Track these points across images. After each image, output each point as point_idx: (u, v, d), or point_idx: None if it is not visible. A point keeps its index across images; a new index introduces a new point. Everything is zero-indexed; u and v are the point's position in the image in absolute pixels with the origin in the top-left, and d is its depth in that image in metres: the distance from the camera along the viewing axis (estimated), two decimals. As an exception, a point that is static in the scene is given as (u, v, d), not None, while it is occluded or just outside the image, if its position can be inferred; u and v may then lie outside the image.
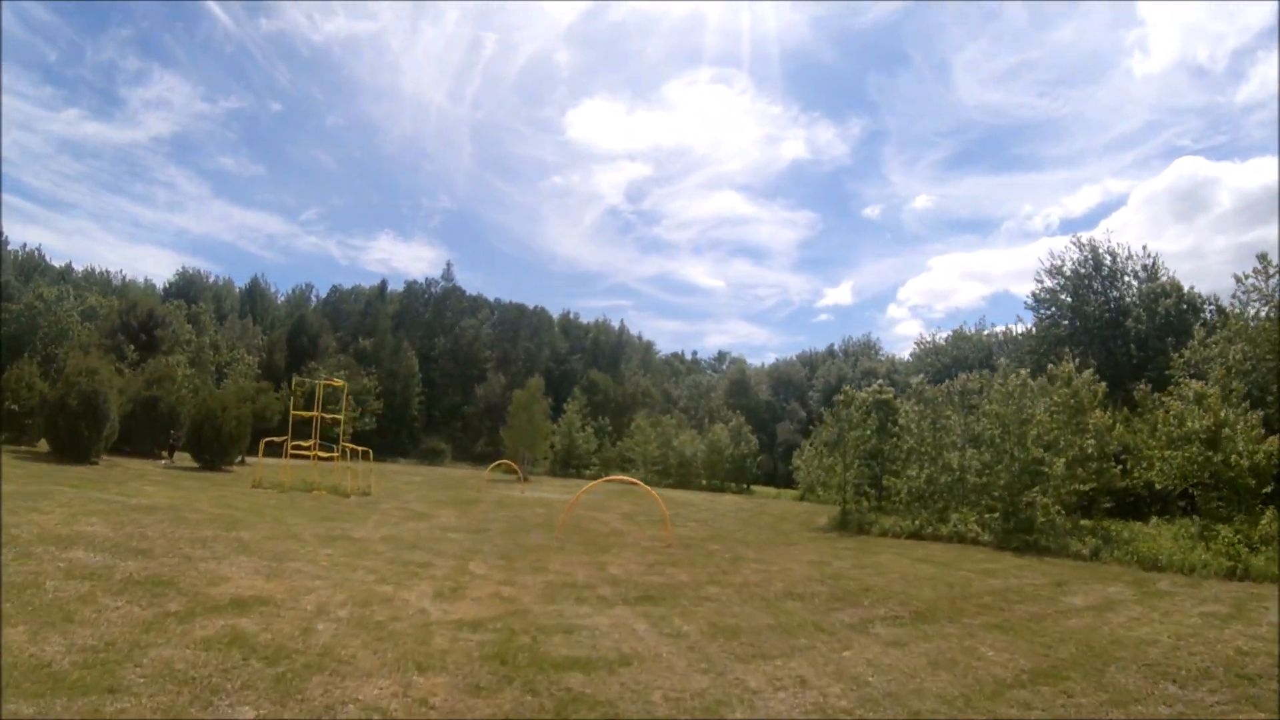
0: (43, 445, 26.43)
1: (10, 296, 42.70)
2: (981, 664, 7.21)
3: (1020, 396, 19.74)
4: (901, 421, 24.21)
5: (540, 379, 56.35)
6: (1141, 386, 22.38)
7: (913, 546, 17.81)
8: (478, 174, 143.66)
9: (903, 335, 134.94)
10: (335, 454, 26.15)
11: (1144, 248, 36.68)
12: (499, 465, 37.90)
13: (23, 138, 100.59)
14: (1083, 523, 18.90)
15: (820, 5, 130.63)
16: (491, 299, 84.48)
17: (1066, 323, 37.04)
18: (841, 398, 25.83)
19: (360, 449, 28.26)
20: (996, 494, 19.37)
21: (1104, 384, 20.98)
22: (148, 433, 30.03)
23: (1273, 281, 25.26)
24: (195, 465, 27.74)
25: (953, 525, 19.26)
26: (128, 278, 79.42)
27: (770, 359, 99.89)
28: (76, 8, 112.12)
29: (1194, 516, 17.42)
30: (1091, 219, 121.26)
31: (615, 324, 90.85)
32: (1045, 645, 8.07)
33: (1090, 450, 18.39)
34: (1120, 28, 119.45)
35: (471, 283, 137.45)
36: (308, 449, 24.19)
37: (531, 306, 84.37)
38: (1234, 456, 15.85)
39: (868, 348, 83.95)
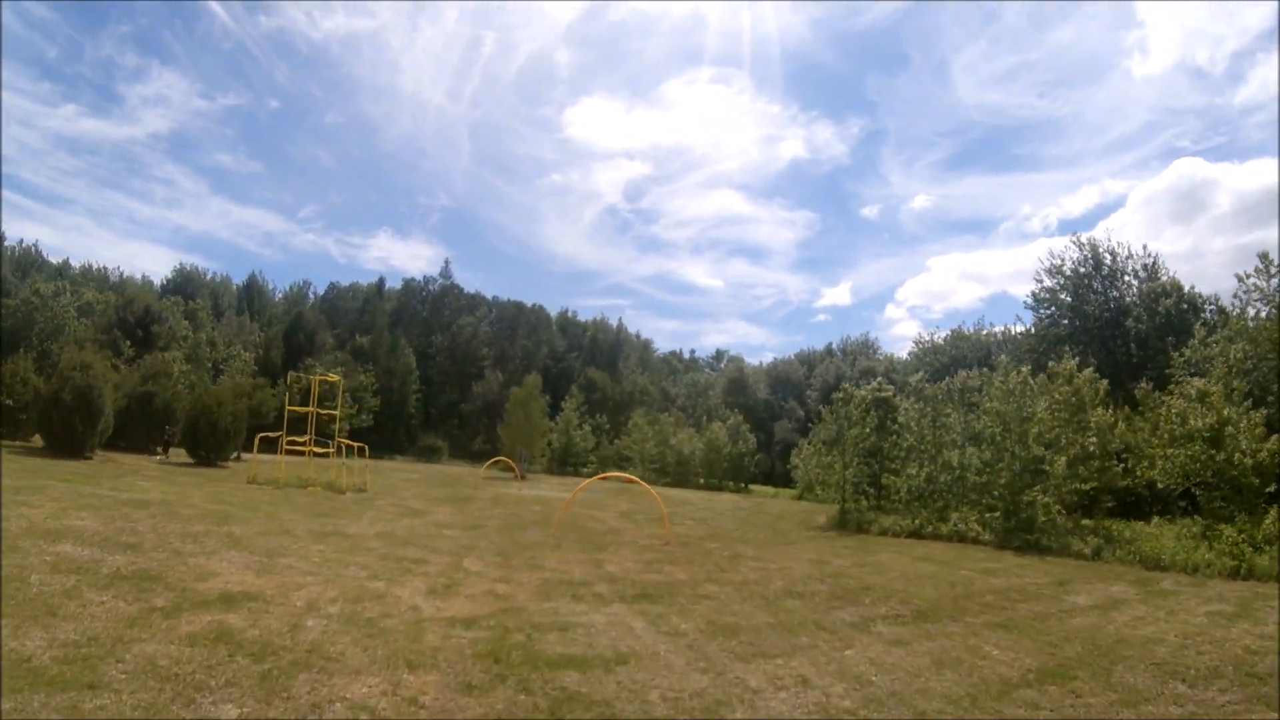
0: (37, 441, 26.22)
1: (7, 292, 42.46)
2: (987, 663, 7.06)
3: (1021, 394, 19.59)
4: (901, 419, 24.08)
5: (538, 377, 56.15)
6: (1143, 385, 22.26)
7: (912, 545, 17.67)
8: (476, 172, 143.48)
9: (900, 335, 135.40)
10: (330, 450, 25.96)
11: (1144, 247, 36.65)
12: (496, 463, 37.69)
13: (21, 134, 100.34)
14: (1084, 522, 18.78)
15: (820, 5, 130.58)
16: (489, 297, 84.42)
17: (1066, 322, 36.93)
18: (840, 395, 25.69)
19: (356, 445, 28.06)
20: (997, 493, 19.22)
21: (1105, 382, 20.86)
22: (143, 428, 29.82)
23: (1274, 281, 25.16)
24: (190, 461, 27.55)
25: (953, 524, 19.11)
26: (125, 274, 79.47)
27: (768, 358, 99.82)
28: (75, 5, 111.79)
29: (1195, 516, 17.29)
30: (1090, 220, 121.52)
31: (613, 322, 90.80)
32: (1050, 644, 7.92)
33: (1092, 448, 18.26)
34: (1120, 29, 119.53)
35: (470, 281, 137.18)
36: (303, 445, 24.01)
37: (529, 304, 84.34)
38: (1237, 455, 15.71)
39: (866, 347, 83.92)
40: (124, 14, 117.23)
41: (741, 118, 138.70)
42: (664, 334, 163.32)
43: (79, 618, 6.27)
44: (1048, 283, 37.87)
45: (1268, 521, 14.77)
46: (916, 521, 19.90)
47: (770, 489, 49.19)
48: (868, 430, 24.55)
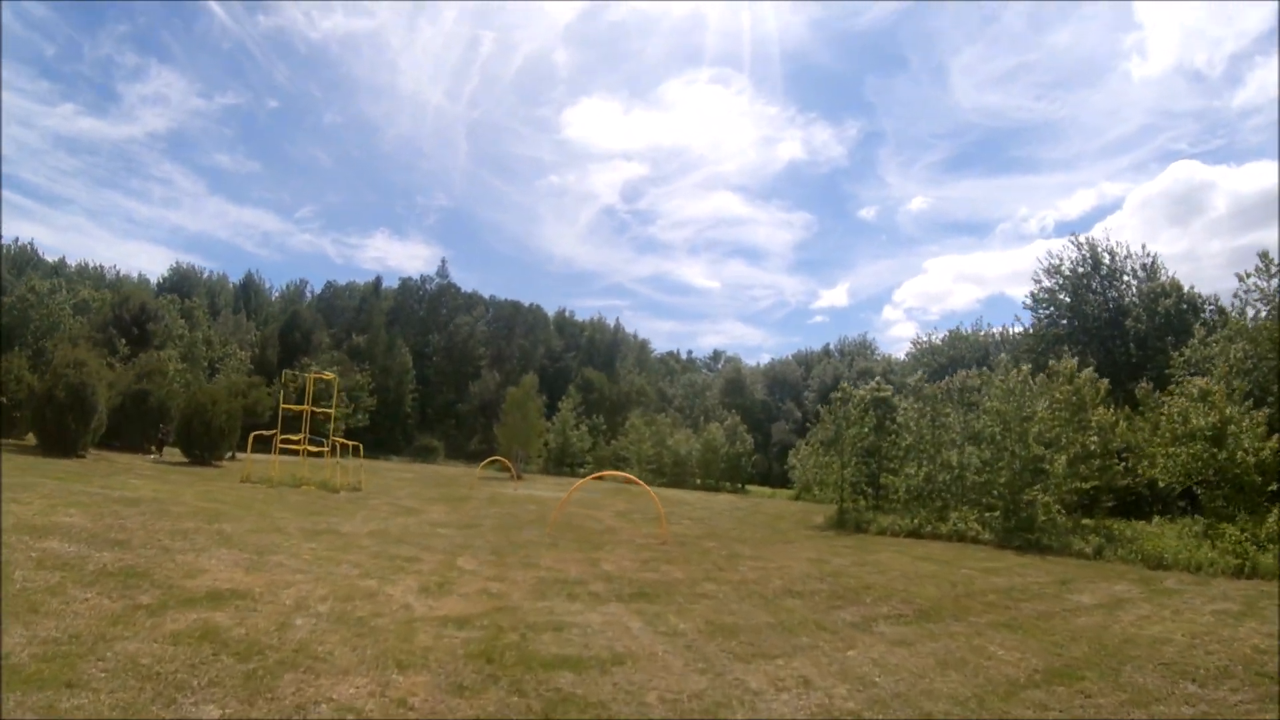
0: (31, 439, 25.96)
1: (3, 290, 42.17)
2: (992, 663, 6.91)
3: (1021, 393, 19.47)
4: (900, 419, 23.94)
5: (535, 377, 56.03)
6: (1143, 385, 22.17)
7: (912, 545, 17.52)
8: (474, 172, 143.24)
9: (898, 337, 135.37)
10: (325, 449, 25.78)
11: (1143, 247, 36.62)
12: (492, 462, 37.50)
13: (19, 133, 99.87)
14: (1084, 521, 18.65)
15: (819, 6, 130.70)
16: (486, 296, 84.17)
17: (1065, 322, 36.88)
18: (839, 395, 25.55)
19: (351, 444, 27.85)
20: (997, 492, 19.07)
21: (1106, 381, 20.76)
22: (137, 427, 29.55)
23: (1274, 281, 25.10)
24: (184, 460, 27.31)
25: (952, 524, 18.96)
26: (121, 273, 78.96)
27: (765, 359, 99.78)
28: (74, 4, 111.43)
29: (1196, 515, 17.18)
30: (1087, 222, 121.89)
31: (610, 323, 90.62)
32: (1056, 644, 7.77)
33: (1093, 447, 18.14)
34: (1118, 31, 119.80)
35: (467, 281, 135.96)
36: (297, 444, 23.80)
37: (527, 304, 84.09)
38: (1239, 454, 15.62)
39: (863, 348, 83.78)
40: (122, 13, 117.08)
41: (740, 119, 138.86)
42: (661, 335, 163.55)
43: (61, 615, 6.09)
44: (1046, 283, 37.85)
45: (1271, 520, 14.68)
46: (915, 521, 19.75)
47: (767, 489, 49.05)
48: (866, 430, 24.41)
